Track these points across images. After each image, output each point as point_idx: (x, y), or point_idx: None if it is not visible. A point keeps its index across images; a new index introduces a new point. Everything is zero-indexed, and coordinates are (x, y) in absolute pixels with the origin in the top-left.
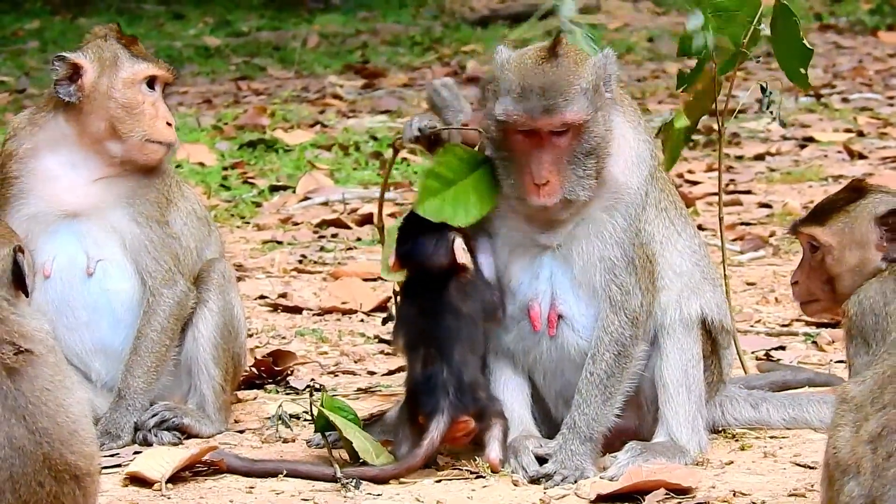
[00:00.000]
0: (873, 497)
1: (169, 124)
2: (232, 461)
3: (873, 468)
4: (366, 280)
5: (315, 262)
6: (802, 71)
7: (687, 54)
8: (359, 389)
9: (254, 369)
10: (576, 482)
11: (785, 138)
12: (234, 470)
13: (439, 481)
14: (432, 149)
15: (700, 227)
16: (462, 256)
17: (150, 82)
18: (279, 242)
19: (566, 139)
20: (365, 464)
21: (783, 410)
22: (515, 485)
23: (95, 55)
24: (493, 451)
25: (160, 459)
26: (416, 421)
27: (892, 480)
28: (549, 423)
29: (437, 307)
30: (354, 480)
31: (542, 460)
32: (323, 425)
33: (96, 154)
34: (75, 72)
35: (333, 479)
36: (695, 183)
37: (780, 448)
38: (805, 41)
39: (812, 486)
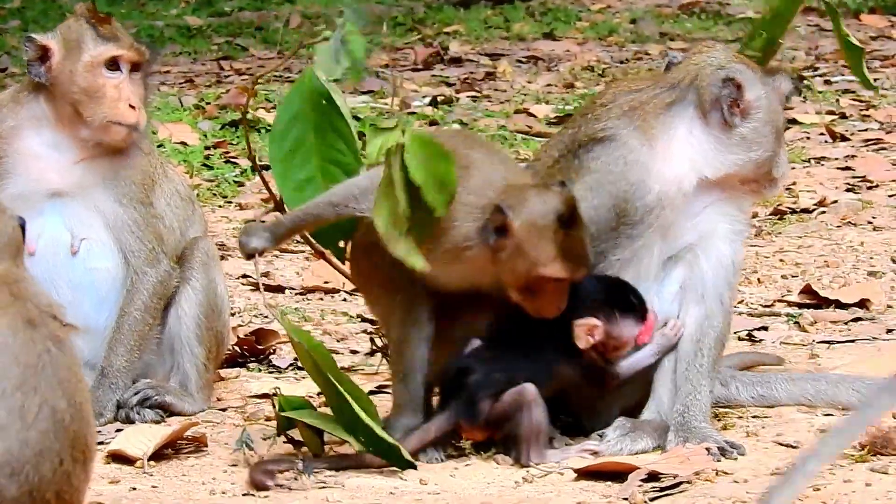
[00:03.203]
0: None
1: (132, 106)
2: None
3: None
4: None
5: (297, 242)
6: (864, 71)
7: None
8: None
9: (236, 348)
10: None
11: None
12: None
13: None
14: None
15: None
16: (584, 339)
17: (114, 64)
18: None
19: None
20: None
21: (752, 388)
22: (498, 464)
23: (63, 36)
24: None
25: (142, 437)
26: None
27: None
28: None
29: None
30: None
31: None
32: (285, 425)
33: (72, 135)
34: (45, 53)
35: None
36: None
37: (763, 427)
38: (851, 39)
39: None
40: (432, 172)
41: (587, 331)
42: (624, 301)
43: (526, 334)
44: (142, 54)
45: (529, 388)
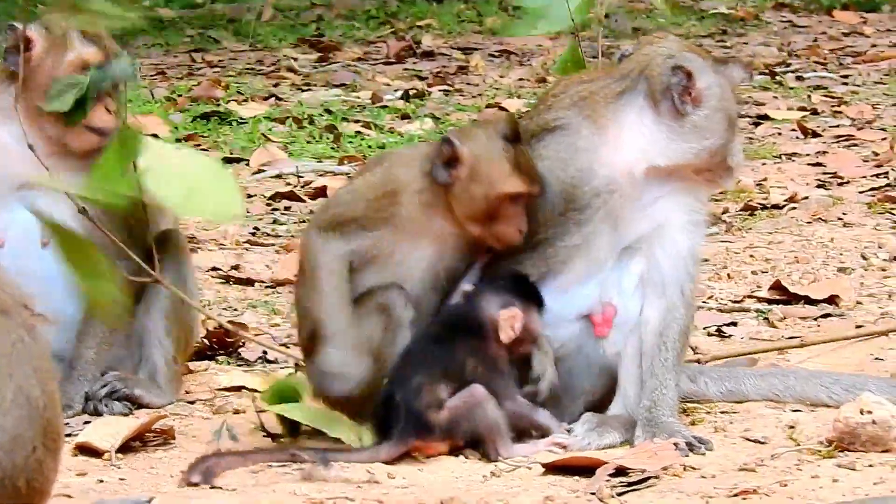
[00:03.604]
0: None
1: (108, 111)
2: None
3: None
4: None
5: (268, 235)
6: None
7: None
8: None
9: (205, 341)
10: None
11: (739, 116)
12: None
13: None
14: None
15: None
16: (507, 331)
17: (87, 66)
18: None
19: None
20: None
21: (720, 383)
22: (466, 458)
23: (48, 30)
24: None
25: (110, 429)
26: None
27: None
28: None
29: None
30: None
31: None
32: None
33: (38, 130)
34: (26, 44)
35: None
36: None
37: (731, 423)
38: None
39: (762, 461)
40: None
41: (511, 321)
42: (535, 294)
43: (435, 339)
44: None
45: (478, 388)
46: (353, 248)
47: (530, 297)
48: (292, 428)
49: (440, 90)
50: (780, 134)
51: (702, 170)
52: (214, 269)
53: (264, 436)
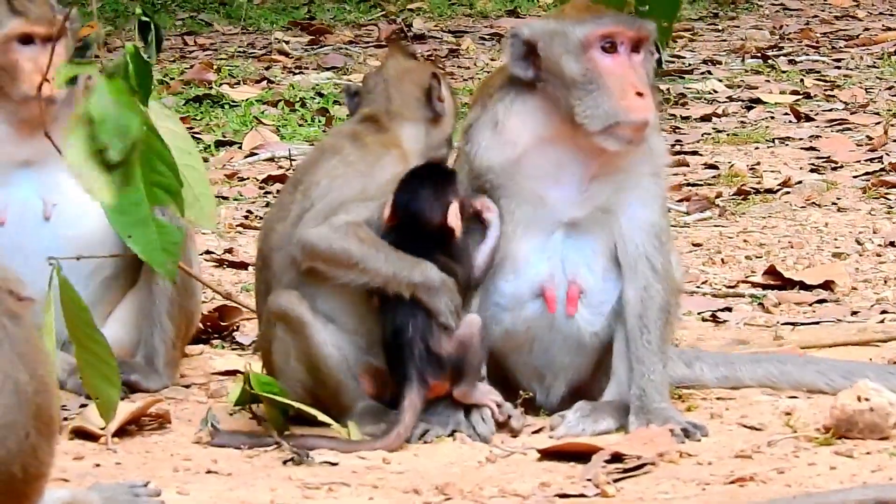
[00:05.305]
0: None
1: (46, 80)
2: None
3: None
4: None
5: (261, 218)
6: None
7: None
8: None
9: (200, 324)
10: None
11: (731, 99)
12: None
13: None
14: None
15: None
16: (454, 221)
17: (27, 38)
18: (225, 198)
19: (640, 58)
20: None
21: (716, 369)
22: (463, 443)
23: None
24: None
25: None
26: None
27: None
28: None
29: None
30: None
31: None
32: (248, 400)
33: (11, 111)
34: None
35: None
36: None
37: (727, 409)
38: None
39: (759, 447)
40: (113, 115)
41: (455, 210)
42: (448, 174)
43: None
44: (53, 24)
45: (475, 318)
46: (364, 218)
47: (452, 182)
48: (281, 415)
49: None
50: (772, 118)
51: (592, 132)
52: (208, 252)
53: (250, 418)
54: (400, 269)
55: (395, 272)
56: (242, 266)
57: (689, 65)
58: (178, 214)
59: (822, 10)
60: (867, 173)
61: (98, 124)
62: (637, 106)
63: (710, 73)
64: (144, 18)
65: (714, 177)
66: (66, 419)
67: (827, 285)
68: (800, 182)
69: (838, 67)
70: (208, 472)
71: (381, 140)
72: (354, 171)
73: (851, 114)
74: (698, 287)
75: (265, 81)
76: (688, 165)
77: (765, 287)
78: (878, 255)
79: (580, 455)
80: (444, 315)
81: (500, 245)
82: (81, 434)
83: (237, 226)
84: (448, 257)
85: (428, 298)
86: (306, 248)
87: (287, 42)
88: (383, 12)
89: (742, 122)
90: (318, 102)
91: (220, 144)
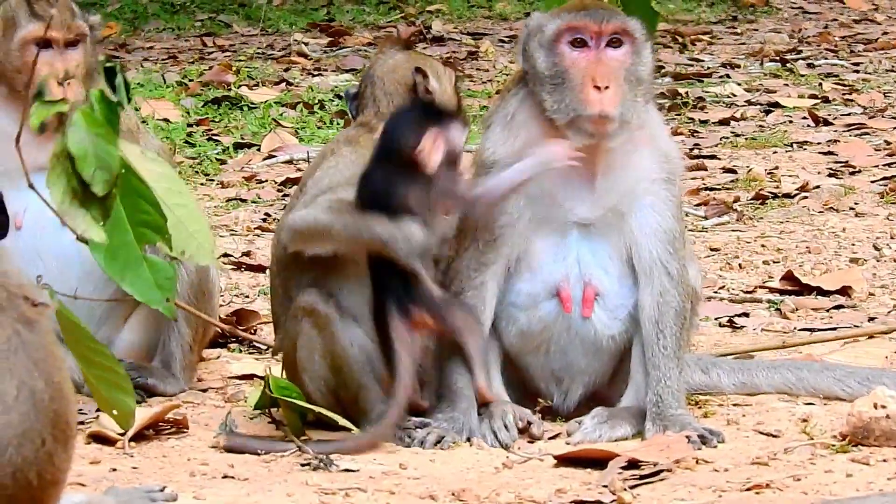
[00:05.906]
0: None
1: (60, 84)
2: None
3: None
4: None
5: (278, 221)
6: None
7: None
8: None
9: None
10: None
11: (750, 103)
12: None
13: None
14: None
15: None
16: (434, 154)
17: (45, 42)
18: (243, 200)
19: (622, 54)
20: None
21: (733, 375)
22: (480, 448)
23: (2, 14)
24: (479, 377)
25: None
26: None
27: None
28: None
29: None
30: (326, 458)
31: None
32: (268, 403)
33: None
34: None
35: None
36: None
37: (743, 416)
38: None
39: (775, 454)
40: (92, 149)
41: (431, 139)
42: (438, 111)
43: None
44: (74, 30)
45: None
46: (348, 197)
47: (439, 114)
48: (300, 419)
49: None
50: (790, 122)
51: (563, 125)
52: (226, 255)
53: (269, 422)
54: (366, 228)
55: (361, 230)
56: (260, 269)
57: (708, 68)
58: (166, 251)
59: (841, 14)
60: (885, 178)
61: (79, 159)
62: (594, 99)
63: (728, 76)
64: (108, 65)
65: (732, 181)
66: (82, 423)
67: (844, 291)
68: (818, 187)
69: (857, 71)
70: (225, 476)
71: (374, 139)
72: (346, 162)
73: (870, 118)
74: (715, 292)
75: (284, 83)
76: (706, 169)
77: (782, 292)
78: None
79: (597, 461)
80: (414, 266)
81: (525, 186)
82: (98, 438)
83: (255, 228)
84: (428, 190)
85: (396, 252)
86: (288, 231)
87: (306, 44)
88: (402, 14)
89: (760, 125)
90: (337, 104)
91: (238, 146)
